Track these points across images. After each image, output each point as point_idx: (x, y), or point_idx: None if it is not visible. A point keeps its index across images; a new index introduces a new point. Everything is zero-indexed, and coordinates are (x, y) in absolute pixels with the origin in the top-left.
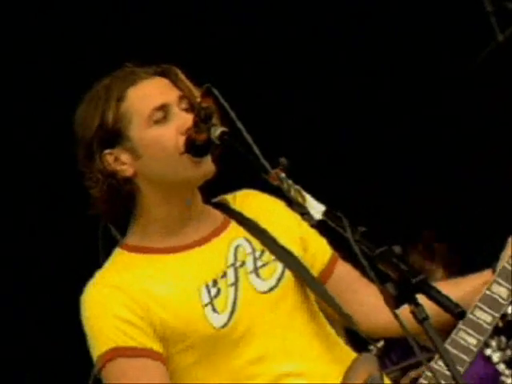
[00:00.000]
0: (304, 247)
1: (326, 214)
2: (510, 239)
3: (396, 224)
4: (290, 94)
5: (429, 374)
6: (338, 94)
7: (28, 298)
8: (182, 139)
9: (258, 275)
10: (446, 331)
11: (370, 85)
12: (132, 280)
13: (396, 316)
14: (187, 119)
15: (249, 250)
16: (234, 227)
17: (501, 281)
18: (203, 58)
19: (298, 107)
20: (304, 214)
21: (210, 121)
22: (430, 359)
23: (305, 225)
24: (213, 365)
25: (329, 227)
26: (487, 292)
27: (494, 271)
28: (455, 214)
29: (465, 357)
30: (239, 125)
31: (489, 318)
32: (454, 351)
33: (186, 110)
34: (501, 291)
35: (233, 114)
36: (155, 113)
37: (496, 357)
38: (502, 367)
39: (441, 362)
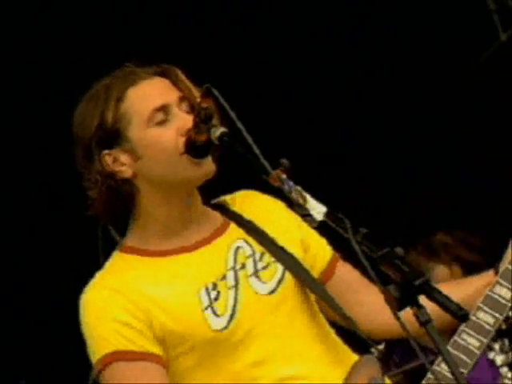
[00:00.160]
0: (304, 248)
1: (327, 215)
2: None
3: (396, 224)
4: (290, 94)
5: (431, 376)
6: (337, 94)
7: (28, 297)
8: (182, 140)
9: (258, 278)
10: (448, 333)
11: (370, 85)
12: (131, 283)
13: (397, 317)
14: (187, 120)
15: (249, 252)
16: (233, 229)
17: (503, 282)
18: (203, 58)
19: (297, 107)
20: (305, 215)
21: (210, 121)
22: (432, 361)
23: (305, 225)
24: (213, 368)
25: (330, 228)
26: (490, 293)
27: (496, 272)
28: (455, 214)
29: (467, 359)
30: (239, 125)
31: (491, 320)
32: (457, 353)
33: (186, 111)
34: (503, 292)
35: (233, 115)
36: (155, 113)
37: (499, 360)
38: (504, 370)
39: (443, 365)
